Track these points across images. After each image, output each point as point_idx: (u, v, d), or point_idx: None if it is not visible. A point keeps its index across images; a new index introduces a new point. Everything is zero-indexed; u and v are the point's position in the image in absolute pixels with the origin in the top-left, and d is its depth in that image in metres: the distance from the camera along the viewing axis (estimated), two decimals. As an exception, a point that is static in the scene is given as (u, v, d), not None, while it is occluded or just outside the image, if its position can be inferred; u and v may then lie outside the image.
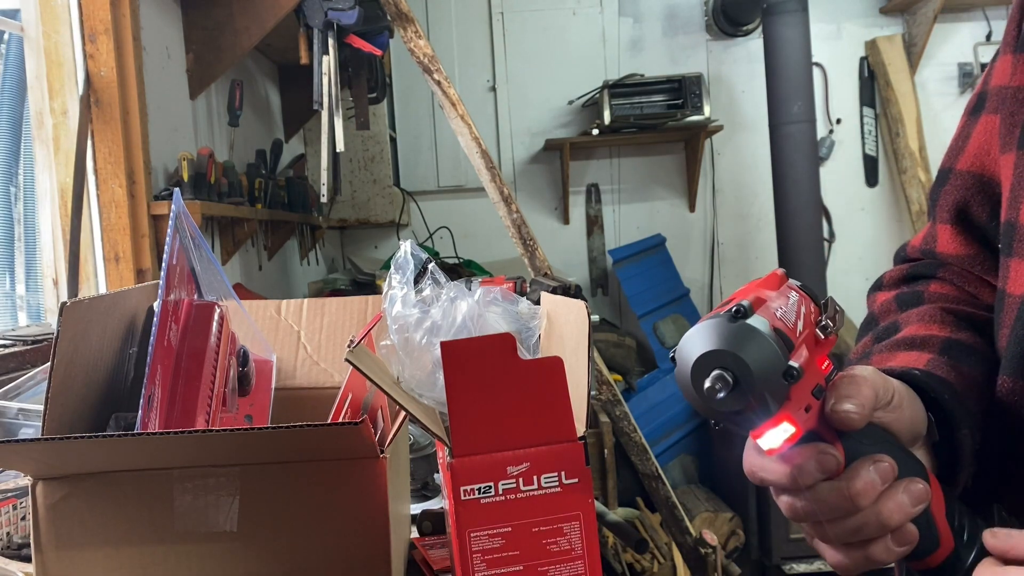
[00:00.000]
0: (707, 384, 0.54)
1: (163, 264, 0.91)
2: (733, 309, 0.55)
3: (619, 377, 3.82)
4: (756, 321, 0.55)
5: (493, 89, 4.42)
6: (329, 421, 0.91)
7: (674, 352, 0.58)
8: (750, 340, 0.54)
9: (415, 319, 0.85)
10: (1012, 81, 0.73)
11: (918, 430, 0.64)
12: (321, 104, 2.48)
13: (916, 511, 0.59)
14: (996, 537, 0.59)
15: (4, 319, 1.96)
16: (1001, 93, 0.75)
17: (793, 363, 0.55)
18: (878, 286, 0.87)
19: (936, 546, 0.62)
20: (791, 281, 0.64)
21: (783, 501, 0.62)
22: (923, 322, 0.76)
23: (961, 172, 0.79)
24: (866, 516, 0.59)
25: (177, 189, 1.27)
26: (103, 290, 2.05)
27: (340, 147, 2.52)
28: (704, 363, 0.55)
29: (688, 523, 2.66)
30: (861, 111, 4.47)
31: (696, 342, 0.56)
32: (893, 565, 0.69)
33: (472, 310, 0.87)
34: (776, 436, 0.57)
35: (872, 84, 4.45)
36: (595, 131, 4.09)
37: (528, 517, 0.72)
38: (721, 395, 0.54)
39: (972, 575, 0.59)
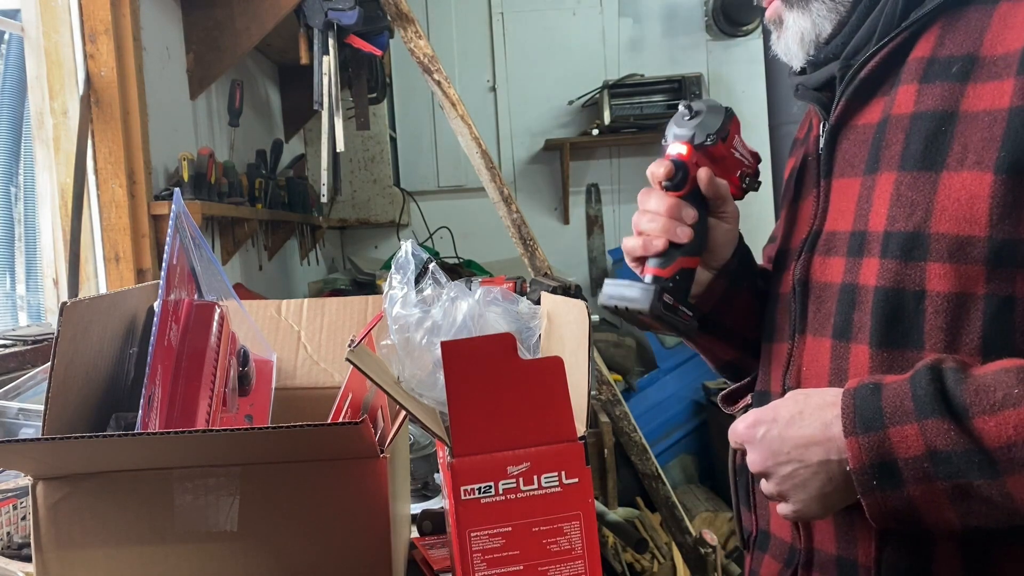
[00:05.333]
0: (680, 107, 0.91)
1: (163, 264, 0.91)
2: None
3: (619, 377, 3.81)
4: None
5: (493, 89, 4.41)
6: (329, 421, 0.91)
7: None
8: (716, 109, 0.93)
9: (415, 319, 0.86)
10: None
11: (726, 252, 0.99)
12: (321, 104, 2.48)
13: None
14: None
15: (4, 319, 1.96)
16: None
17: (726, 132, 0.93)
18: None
19: None
20: None
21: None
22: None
23: None
24: None
25: (177, 189, 1.27)
26: (103, 290, 2.05)
27: (340, 147, 2.51)
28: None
29: (688, 523, 2.66)
30: (861, 111, 4.46)
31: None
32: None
33: (472, 310, 0.87)
34: (675, 148, 0.91)
35: (872, 84, 4.44)
36: (595, 131, 4.09)
37: (528, 517, 0.72)
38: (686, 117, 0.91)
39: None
